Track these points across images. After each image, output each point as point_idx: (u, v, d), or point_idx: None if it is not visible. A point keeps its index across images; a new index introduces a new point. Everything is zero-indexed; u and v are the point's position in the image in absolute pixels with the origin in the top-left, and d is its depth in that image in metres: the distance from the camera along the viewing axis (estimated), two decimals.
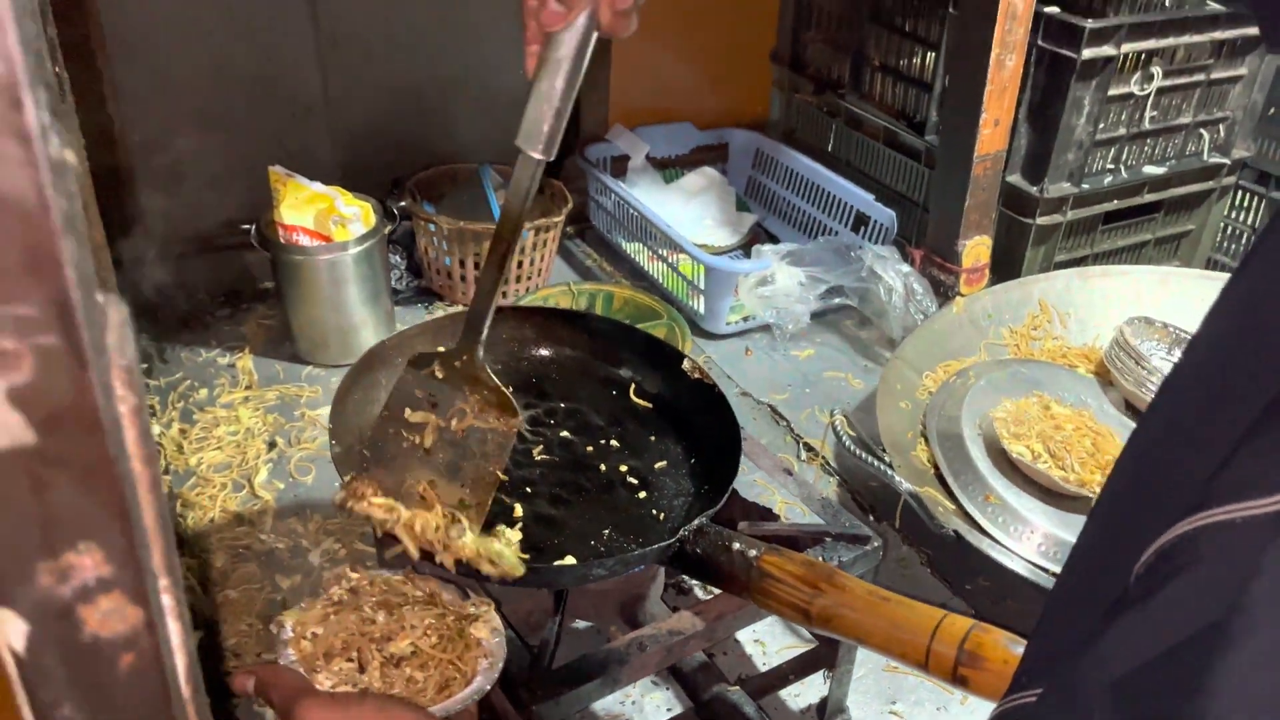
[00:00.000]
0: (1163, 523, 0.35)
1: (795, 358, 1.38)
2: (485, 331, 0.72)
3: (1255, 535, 0.30)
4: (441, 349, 0.75)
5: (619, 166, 1.60)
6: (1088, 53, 1.16)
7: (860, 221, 1.48)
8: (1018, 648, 0.63)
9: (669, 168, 1.66)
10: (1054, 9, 1.19)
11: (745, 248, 1.58)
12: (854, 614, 0.68)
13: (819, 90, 1.57)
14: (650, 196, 1.58)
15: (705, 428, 0.90)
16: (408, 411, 0.73)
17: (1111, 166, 1.31)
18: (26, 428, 0.27)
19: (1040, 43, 1.19)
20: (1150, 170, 1.33)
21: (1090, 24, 1.14)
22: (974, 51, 1.16)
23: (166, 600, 0.33)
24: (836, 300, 1.43)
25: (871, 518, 1.11)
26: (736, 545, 0.74)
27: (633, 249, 1.52)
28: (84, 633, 0.30)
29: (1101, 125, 1.24)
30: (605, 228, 1.58)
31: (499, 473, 0.72)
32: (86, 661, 0.32)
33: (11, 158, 0.24)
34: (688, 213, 1.61)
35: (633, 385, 0.96)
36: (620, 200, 1.48)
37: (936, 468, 1.09)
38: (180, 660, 0.35)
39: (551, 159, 0.65)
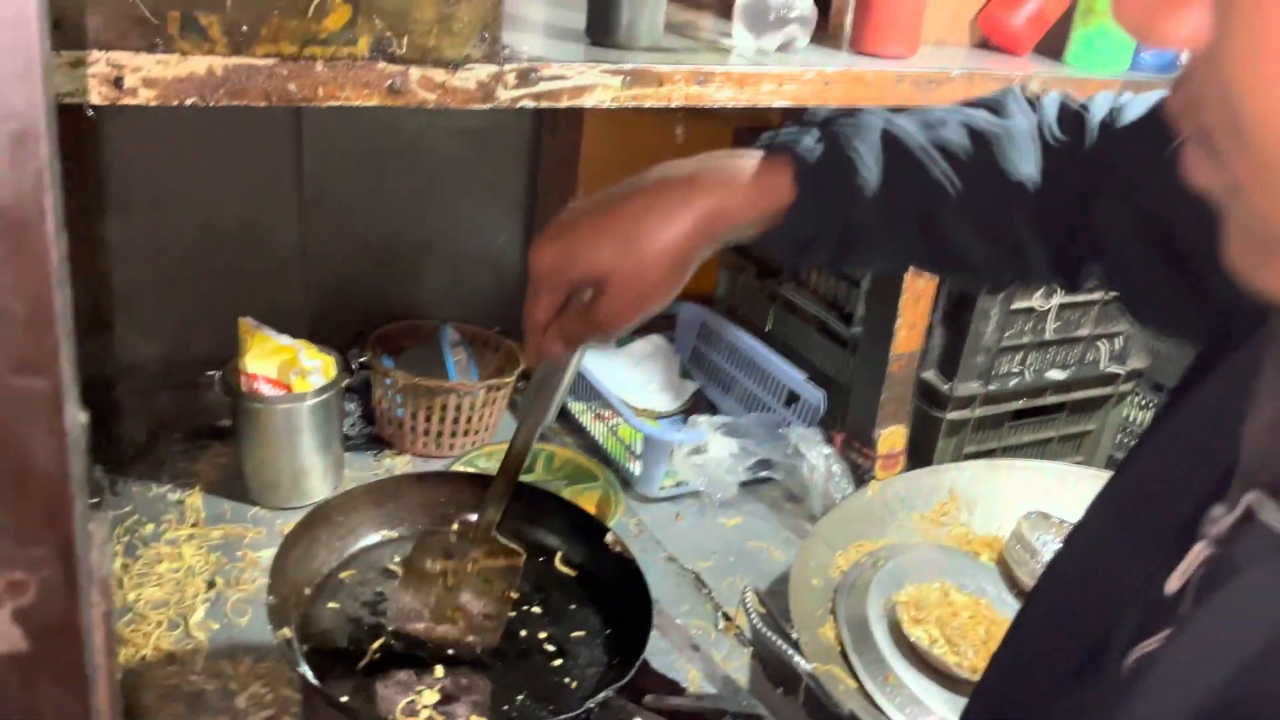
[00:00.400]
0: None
1: (723, 525, 1.46)
2: (496, 523, 0.91)
3: None
4: (452, 529, 0.93)
5: None
6: None
7: (793, 399, 1.58)
8: None
9: None
10: None
11: (686, 413, 1.68)
12: None
13: (761, 275, 1.70)
14: (599, 360, 1.68)
15: (622, 600, 0.97)
16: (428, 562, 0.91)
17: (1017, 370, 1.43)
18: (24, 639, 0.34)
19: None
20: (1053, 375, 1.45)
21: None
22: None
23: None
24: (765, 473, 1.52)
25: (780, 691, 1.16)
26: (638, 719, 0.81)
27: (577, 409, 1.61)
28: None
29: (1008, 333, 1.37)
30: None
31: (512, 594, 0.90)
32: None
33: (43, 446, 0.32)
34: (634, 377, 1.72)
35: (558, 553, 1.03)
36: None
37: (843, 646, 1.16)
38: None
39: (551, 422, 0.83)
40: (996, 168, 0.69)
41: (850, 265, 0.75)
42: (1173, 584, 0.45)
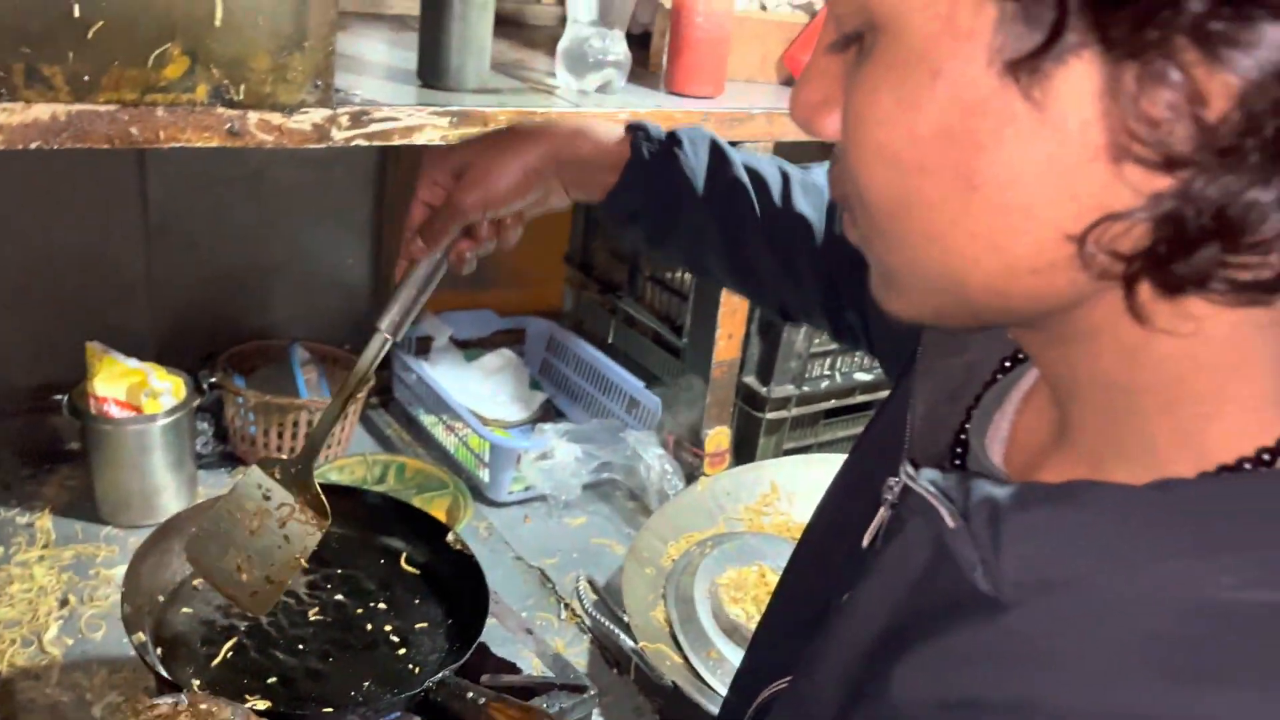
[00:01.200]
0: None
1: (568, 525, 1.57)
2: (320, 450, 0.95)
3: None
4: (284, 457, 0.97)
5: (424, 345, 1.79)
6: None
7: (633, 404, 1.70)
8: None
9: (470, 348, 1.86)
10: None
11: (536, 422, 1.78)
12: None
13: (603, 290, 1.82)
14: (451, 373, 1.77)
15: (463, 593, 1.07)
16: (246, 501, 0.93)
17: (828, 373, 1.60)
18: None
19: None
20: (860, 376, 1.62)
21: None
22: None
23: None
24: (606, 475, 1.64)
25: (615, 671, 1.28)
26: (470, 694, 0.90)
27: (429, 421, 1.69)
28: None
29: (816, 341, 1.53)
30: (407, 401, 1.75)
31: (303, 561, 0.93)
32: None
33: None
34: (485, 389, 1.81)
35: (403, 554, 1.12)
36: (420, 378, 1.66)
37: (671, 627, 1.28)
38: None
39: (398, 340, 0.87)
40: (790, 201, 0.83)
41: (663, 249, 0.88)
42: (865, 540, 0.58)
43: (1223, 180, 0.31)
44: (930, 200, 0.37)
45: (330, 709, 0.91)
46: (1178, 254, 0.33)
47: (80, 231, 1.45)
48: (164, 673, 0.89)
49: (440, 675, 0.91)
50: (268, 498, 0.93)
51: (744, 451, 1.58)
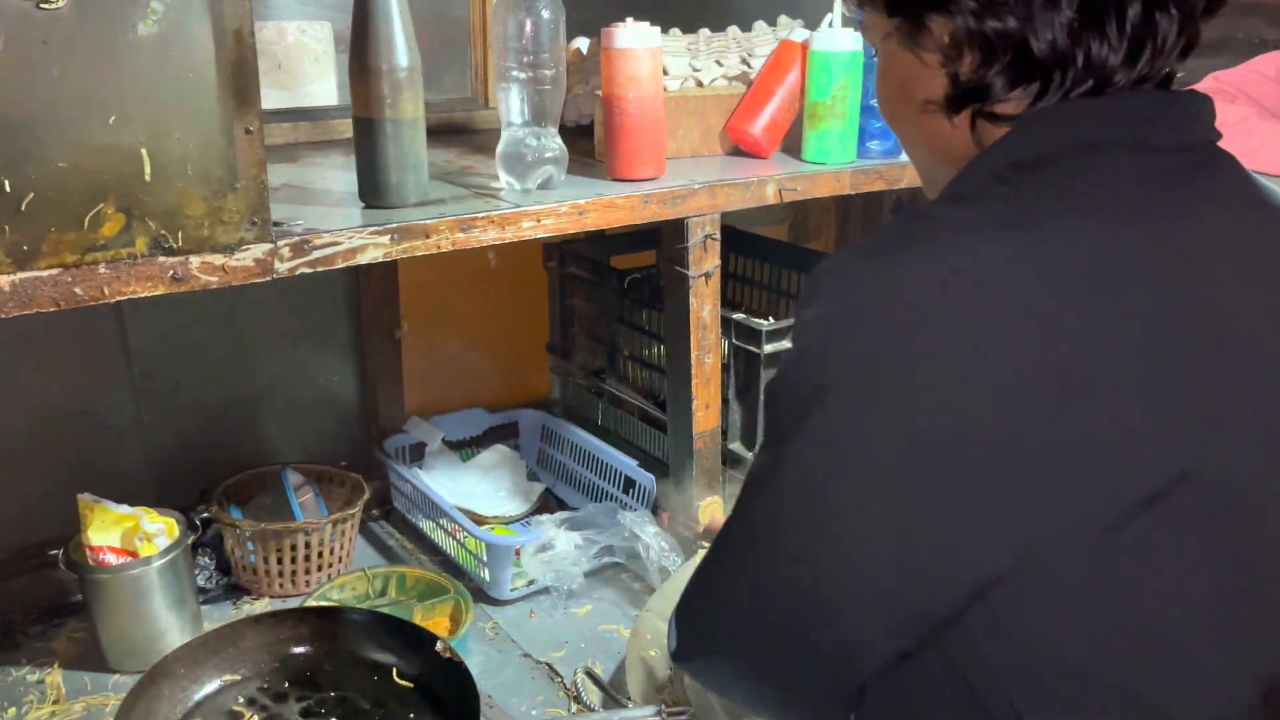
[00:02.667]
0: None
1: (575, 615, 1.56)
2: None
3: None
4: None
5: (418, 451, 1.80)
6: (769, 347, 1.45)
7: (629, 484, 1.70)
8: None
9: (465, 448, 1.88)
10: (739, 315, 1.49)
11: (536, 514, 1.78)
12: None
13: (587, 375, 1.84)
14: (447, 476, 1.78)
15: (455, 701, 1.06)
16: None
17: None
18: None
19: (734, 341, 1.49)
20: None
21: (765, 326, 1.45)
22: (680, 353, 1.43)
23: None
24: (608, 559, 1.63)
25: None
26: None
27: (429, 527, 1.70)
28: None
29: None
30: (405, 509, 1.75)
31: None
32: None
33: None
34: (483, 488, 1.82)
35: (394, 669, 1.12)
36: (415, 486, 1.68)
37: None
38: None
39: None
40: None
41: None
42: None
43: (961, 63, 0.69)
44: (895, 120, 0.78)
45: None
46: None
47: (68, 387, 1.48)
48: None
49: None
50: None
51: None
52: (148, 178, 0.95)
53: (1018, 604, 0.60)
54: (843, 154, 1.50)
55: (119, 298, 0.97)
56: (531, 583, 1.59)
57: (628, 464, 1.69)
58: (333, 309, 1.70)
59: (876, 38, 0.75)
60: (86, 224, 0.93)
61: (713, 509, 1.51)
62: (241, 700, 1.06)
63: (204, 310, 1.55)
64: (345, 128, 1.58)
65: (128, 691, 1.32)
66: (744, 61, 1.57)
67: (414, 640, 1.12)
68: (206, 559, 1.54)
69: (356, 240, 1.09)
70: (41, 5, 0.86)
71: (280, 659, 1.11)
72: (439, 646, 1.10)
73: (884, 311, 0.60)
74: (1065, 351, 0.58)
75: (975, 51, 0.67)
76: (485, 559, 1.55)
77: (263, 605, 1.53)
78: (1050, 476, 0.58)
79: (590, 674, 1.35)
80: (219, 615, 1.50)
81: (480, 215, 1.17)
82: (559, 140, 1.29)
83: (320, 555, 1.54)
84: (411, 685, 1.10)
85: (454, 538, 1.63)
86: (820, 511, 0.62)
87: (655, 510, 1.61)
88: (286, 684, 1.08)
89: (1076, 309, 0.59)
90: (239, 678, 1.09)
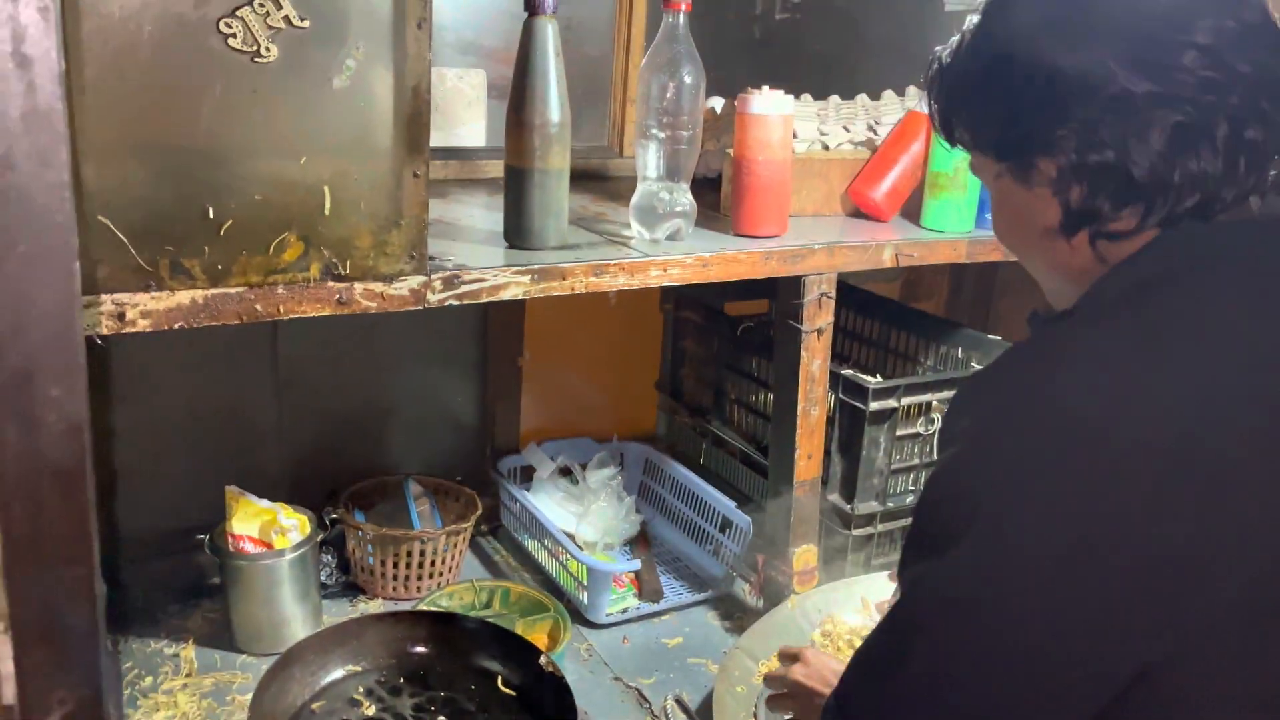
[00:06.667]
0: None
1: (666, 645, 1.62)
2: None
3: None
4: None
5: (527, 474, 1.90)
6: (874, 405, 1.50)
7: (726, 524, 1.76)
8: None
9: (571, 475, 1.96)
10: (848, 371, 1.54)
11: (634, 543, 1.85)
12: None
13: (692, 414, 1.91)
14: (553, 500, 1.87)
15: (554, 714, 1.14)
16: None
17: (912, 488, 1.62)
18: None
19: (840, 395, 1.54)
20: None
21: (873, 384, 1.49)
22: (787, 403, 1.49)
23: None
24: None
25: None
26: None
27: (533, 547, 1.78)
28: None
29: (897, 457, 1.57)
30: (513, 528, 1.85)
31: None
32: None
33: (80, 609, 0.51)
34: (585, 513, 1.90)
35: (500, 677, 1.20)
36: (523, 506, 1.77)
37: None
38: None
39: None
40: None
41: None
42: None
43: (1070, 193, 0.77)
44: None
45: None
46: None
47: (220, 389, 1.63)
48: None
49: None
50: None
51: (834, 568, 1.61)
52: (327, 212, 1.07)
53: (1176, 683, 0.65)
54: (961, 223, 1.54)
55: (291, 316, 1.08)
56: (626, 610, 1.66)
57: (726, 504, 1.75)
58: (462, 335, 1.82)
59: (989, 178, 0.82)
60: (272, 249, 1.05)
61: (807, 557, 1.56)
62: (361, 690, 1.16)
63: (348, 329, 1.68)
64: (491, 168, 1.71)
65: (256, 671, 1.44)
66: (870, 128, 1.63)
67: (519, 652, 1.20)
68: (329, 557, 1.66)
69: (501, 279, 1.19)
70: (256, 59, 0.99)
71: (398, 656, 1.20)
72: (542, 660, 1.17)
73: (1032, 423, 0.66)
74: (1205, 453, 0.63)
75: (1082, 182, 0.74)
76: (585, 582, 1.63)
77: (376, 605, 1.63)
78: (1202, 568, 0.63)
79: (680, 702, 1.41)
80: (336, 611, 1.61)
81: (612, 262, 1.26)
82: (689, 196, 1.37)
83: (433, 563, 1.64)
84: (514, 694, 1.17)
85: (557, 559, 1.71)
86: (983, 614, 0.66)
87: (750, 553, 1.67)
88: (401, 679, 1.17)
89: (1210, 414, 0.64)
90: (360, 669, 1.18)
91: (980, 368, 0.76)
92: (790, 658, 1.08)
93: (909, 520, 1.56)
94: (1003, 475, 0.66)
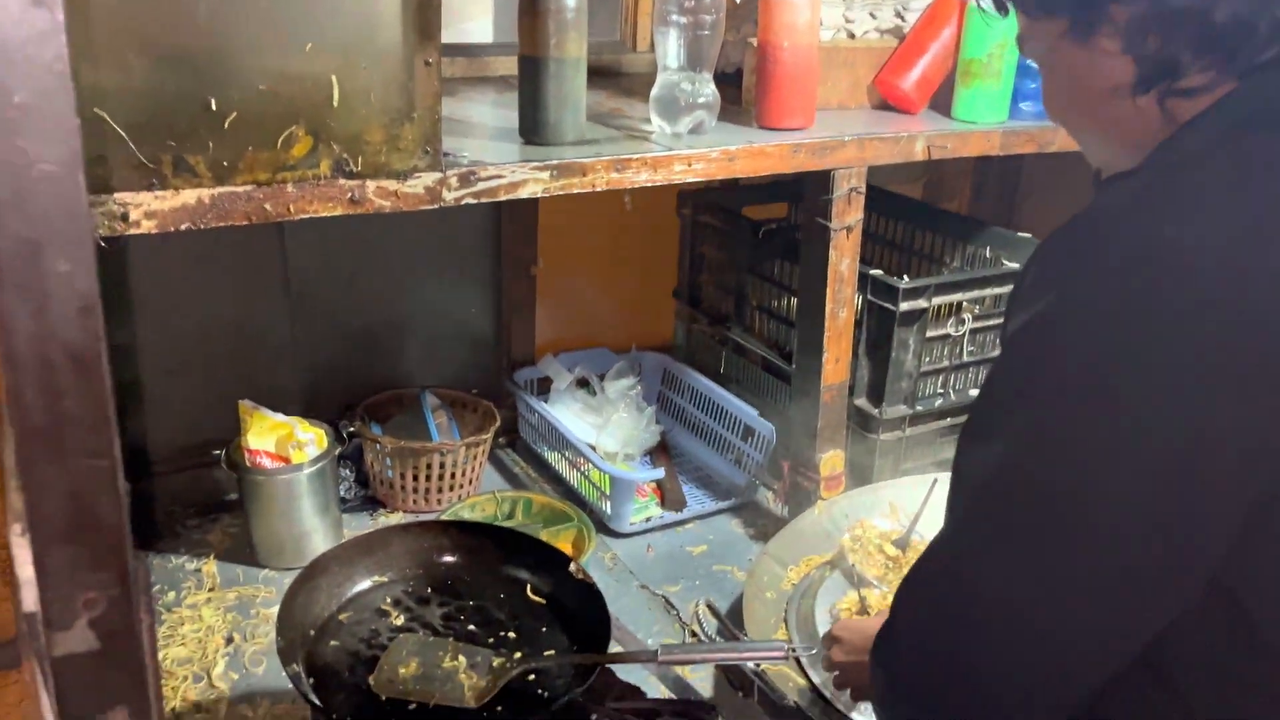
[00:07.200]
0: None
1: (690, 553, 1.60)
2: None
3: None
4: None
5: (544, 386, 1.87)
6: (904, 305, 1.45)
7: (748, 433, 1.73)
8: None
9: (588, 386, 1.93)
10: (877, 271, 1.49)
11: (654, 454, 1.83)
12: None
13: (712, 322, 1.86)
14: (572, 411, 1.83)
15: (587, 620, 1.12)
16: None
17: (941, 391, 1.59)
18: (97, 640, 0.50)
19: (869, 296, 1.49)
20: (974, 393, 1.61)
21: (903, 284, 1.44)
22: (814, 305, 1.45)
23: None
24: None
25: (739, 694, 1.30)
26: (595, 717, 0.95)
27: (554, 458, 1.76)
28: None
29: (926, 359, 1.53)
30: (532, 440, 1.82)
31: None
32: None
33: (106, 505, 0.47)
34: (604, 424, 1.87)
35: (529, 585, 1.18)
36: (542, 417, 1.74)
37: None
38: None
39: None
40: None
41: None
42: None
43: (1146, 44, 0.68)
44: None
45: None
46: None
47: (232, 304, 1.58)
48: (315, 700, 0.96)
49: (566, 699, 0.96)
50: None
51: (861, 473, 1.58)
52: (335, 104, 1.01)
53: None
54: (995, 113, 1.47)
55: (302, 215, 1.03)
56: (649, 519, 1.64)
57: (749, 412, 1.72)
58: (476, 246, 1.76)
59: (1042, 46, 0.74)
60: (279, 144, 0.99)
61: (834, 462, 1.53)
62: (389, 600, 1.14)
63: (358, 241, 1.63)
64: (499, 65, 1.63)
65: (280, 585, 1.43)
66: (898, 14, 1.55)
67: (548, 560, 1.17)
68: (347, 471, 1.64)
69: (519, 175, 1.13)
70: None
71: (425, 566, 1.18)
72: (572, 568, 1.15)
73: (1147, 278, 0.58)
74: None
75: (1159, 30, 0.67)
76: (608, 492, 1.61)
77: (396, 519, 1.62)
78: None
79: (711, 607, 1.39)
80: (356, 525, 1.59)
81: (634, 157, 1.20)
82: (713, 86, 1.31)
83: (453, 476, 1.61)
84: (544, 602, 1.16)
85: (578, 469, 1.69)
86: (1083, 500, 0.59)
87: (774, 460, 1.64)
88: (429, 589, 1.15)
89: None
90: (386, 580, 1.16)
91: (1052, 232, 0.67)
92: (828, 641, 1.02)
93: (946, 417, 1.53)
94: (1111, 337, 0.58)
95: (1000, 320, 1.57)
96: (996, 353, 1.61)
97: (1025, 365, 0.63)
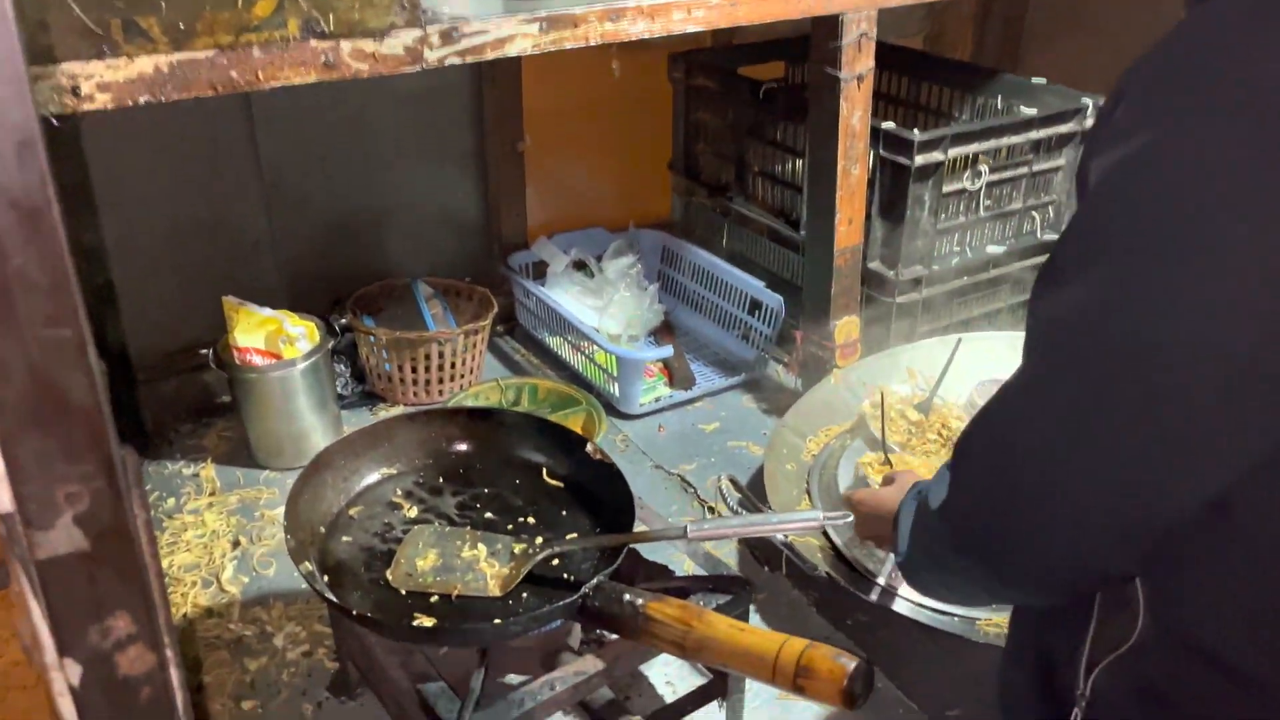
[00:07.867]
0: None
1: (702, 431, 1.56)
2: None
3: None
4: None
5: (540, 269, 1.79)
6: (920, 159, 1.37)
7: (755, 306, 1.67)
8: (841, 659, 0.80)
9: (585, 268, 1.85)
10: (889, 124, 1.40)
11: (658, 333, 1.77)
12: (717, 644, 0.84)
13: (711, 194, 1.78)
14: (571, 294, 1.76)
15: (607, 500, 1.07)
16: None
17: (957, 249, 1.52)
18: (85, 540, 0.44)
19: (881, 152, 1.41)
20: (992, 249, 1.54)
21: (918, 136, 1.36)
22: (825, 164, 1.36)
23: (169, 652, 0.49)
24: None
25: (766, 568, 1.27)
26: (627, 597, 0.91)
27: (555, 343, 1.70)
28: (118, 673, 0.46)
29: (942, 216, 1.45)
30: (531, 326, 1.76)
31: None
32: (119, 693, 0.47)
33: (76, 384, 0.41)
34: (607, 305, 1.80)
35: (544, 469, 1.12)
36: (540, 301, 1.67)
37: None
38: (180, 695, 0.51)
39: None
40: None
41: None
42: None
43: None
44: None
45: (495, 621, 0.93)
46: None
47: (203, 197, 1.49)
48: (332, 598, 0.92)
49: (596, 581, 0.92)
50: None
51: (877, 339, 1.52)
52: None
53: None
54: None
55: (272, 84, 0.94)
56: (659, 399, 1.59)
57: (754, 285, 1.65)
58: (457, 124, 1.66)
59: None
60: (240, 2, 0.89)
61: (849, 329, 1.47)
62: (400, 493, 1.09)
63: (330, 122, 1.53)
64: None
65: (283, 486, 1.38)
66: None
67: (564, 442, 1.12)
68: (342, 367, 1.57)
69: (506, 29, 1.04)
70: None
71: (434, 455, 1.13)
72: (589, 449, 1.10)
73: (1255, 111, 0.51)
74: None
75: None
76: (615, 374, 1.55)
77: (398, 412, 1.56)
78: None
79: (733, 481, 1.35)
80: (357, 420, 1.54)
81: (629, 6, 1.10)
82: None
83: (453, 365, 1.55)
84: (561, 485, 1.11)
85: (582, 352, 1.63)
86: (1173, 346, 0.53)
87: (784, 332, 1.58)
88: (441, 479, 1.10)
89: None
90: (395, 471, 1.11)
91: (1143, 57, 0.57)
92: (848, 503, 0.95)
93: (963, 276, 1.46)
94: (1219, 187, 0.51)
95: (1019, 170, 1.50)
96: (1014, 206, 1.54)
97: (1118, 208, 0.55)
